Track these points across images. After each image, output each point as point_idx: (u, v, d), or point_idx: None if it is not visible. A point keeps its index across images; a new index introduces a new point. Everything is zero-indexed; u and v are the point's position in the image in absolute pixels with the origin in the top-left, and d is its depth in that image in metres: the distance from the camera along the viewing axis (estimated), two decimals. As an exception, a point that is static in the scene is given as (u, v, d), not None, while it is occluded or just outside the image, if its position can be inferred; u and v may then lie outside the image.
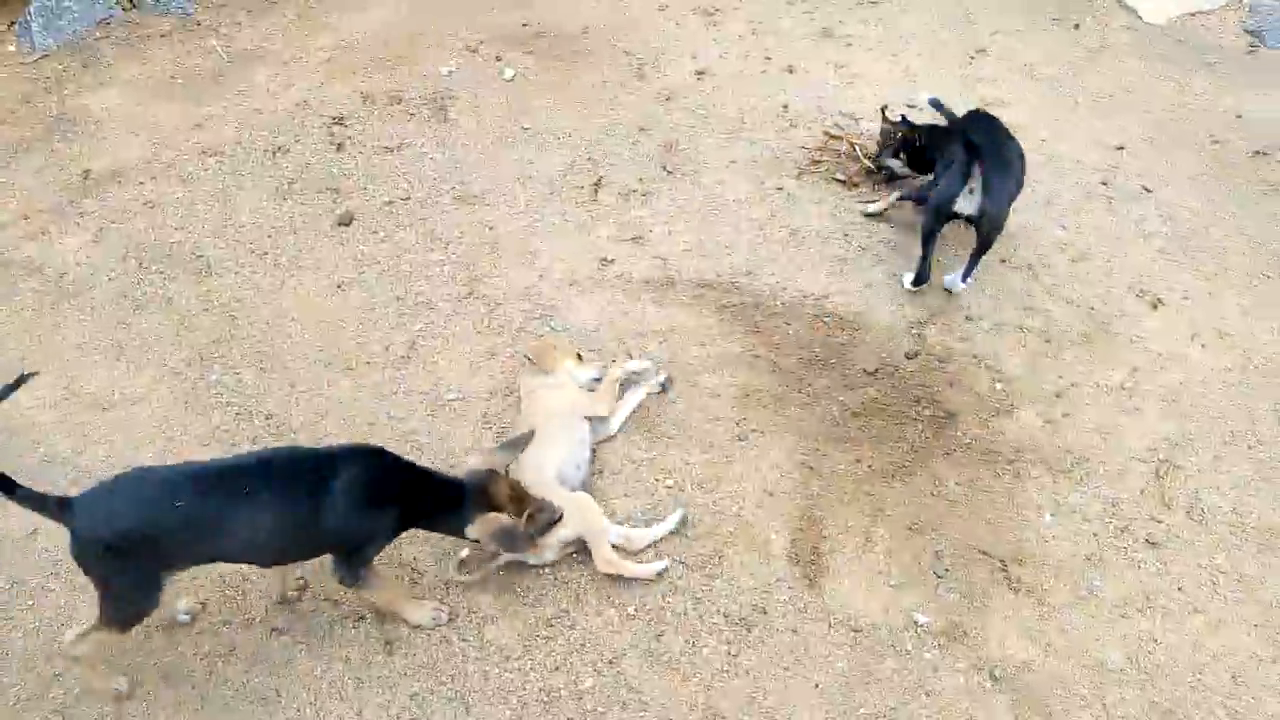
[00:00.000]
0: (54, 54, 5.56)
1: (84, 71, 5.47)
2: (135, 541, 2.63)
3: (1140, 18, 5.96)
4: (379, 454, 2.93)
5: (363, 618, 3.19)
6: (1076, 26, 5.91)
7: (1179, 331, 4.15)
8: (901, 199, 4.60)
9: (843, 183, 4.85)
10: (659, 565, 3.27)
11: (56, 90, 5.36)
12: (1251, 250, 4.53)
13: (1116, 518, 3.50)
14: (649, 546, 3.34)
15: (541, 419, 3.41)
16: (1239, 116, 5.29)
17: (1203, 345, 4.09)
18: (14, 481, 2.59)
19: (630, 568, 3.23)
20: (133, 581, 2.73)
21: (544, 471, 3.29)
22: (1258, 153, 5.06)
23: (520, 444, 3.14)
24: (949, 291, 4.27)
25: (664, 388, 3.86)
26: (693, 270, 4.40)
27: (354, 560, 2.93)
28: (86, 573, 2.74)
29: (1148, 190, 4.80)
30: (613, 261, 4.44)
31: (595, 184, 4.85)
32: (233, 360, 4.01)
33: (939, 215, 4.08)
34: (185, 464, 2.84)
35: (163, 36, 5.72)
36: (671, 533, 3.38)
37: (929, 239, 4.14)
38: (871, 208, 4.69)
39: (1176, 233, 4.60)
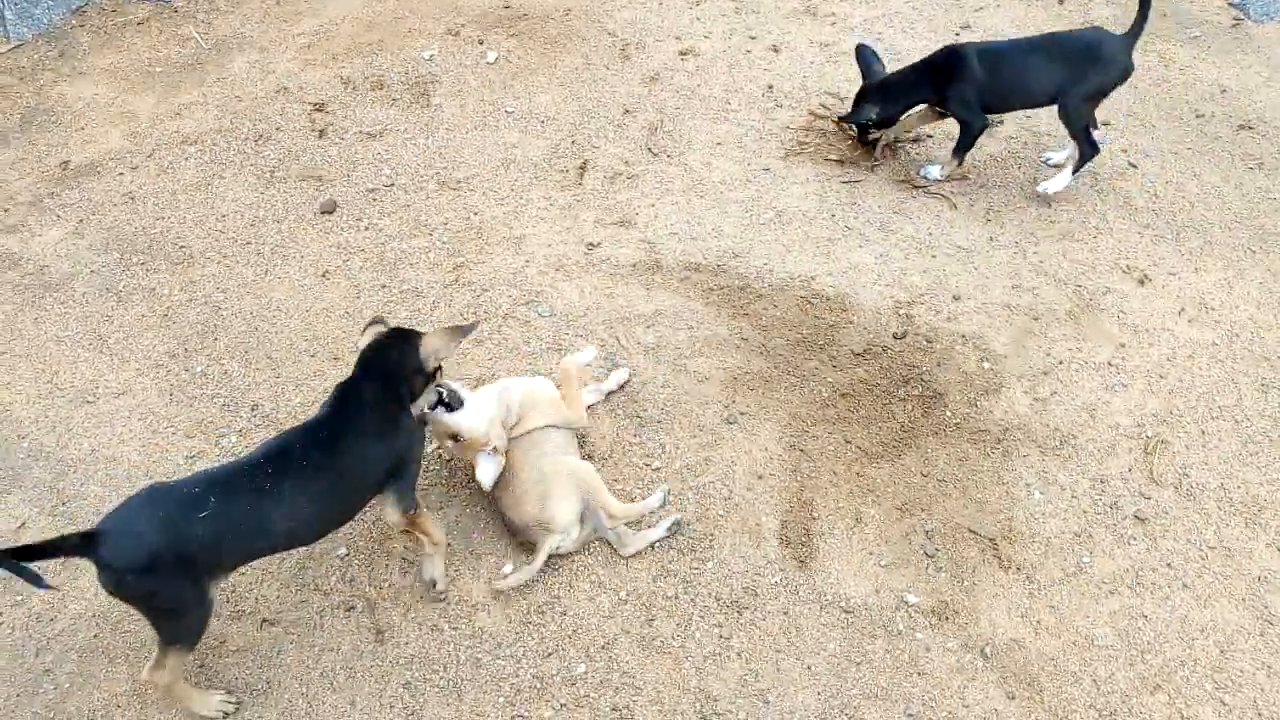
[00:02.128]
0: (29, 43, 5.49)
1: (60, 61, 5.41)
2: (168, 559, 2.59)
3: (1124, -8, 5.94)
4: (356, 380, 2.97)
5: (352, 607, 3.18)
6: (1060, 1, 5.89)
7: (1165, 307, 4.15)
8: (962, 149, 4.62)
9: (839, 162, 4.83)
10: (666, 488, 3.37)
11: (32, 80, 5.29)
12: (1236, 224, 4.53)
13: (1105, 494, 3.51)
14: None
15: (540, 432, 3.37)
16: (1223, 90, 5.28)
17: (1189, 320, 4.10)
18: (30, 547, 2.50)
19: (636, 506, 3.28)
20: (177, 599, 2.67)
21: (543, 463, 3.25)
22: (1242, 126, 5.05)
23: (462, 333, 3.07)
24: (1042, 192, 4.57)
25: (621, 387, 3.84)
26: (679, 253, 4.38)
27: (406, 484, 2.98)
28: (125, 601, 2.69)
29: (1133, 165, 4.80)
30: (599, 245, 4.42)
31: (580, 167, 4.82)
32: (217, 351, 3.98)
33: (1107, 92, 4.37)
34: (201, 471, 2.82)
35: (140, 24, 5.65)
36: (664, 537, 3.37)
37: (1090, 123, 4.43)
38: (938, 172, 4.71)
39: (1162, 208, 4.60)
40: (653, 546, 3.33)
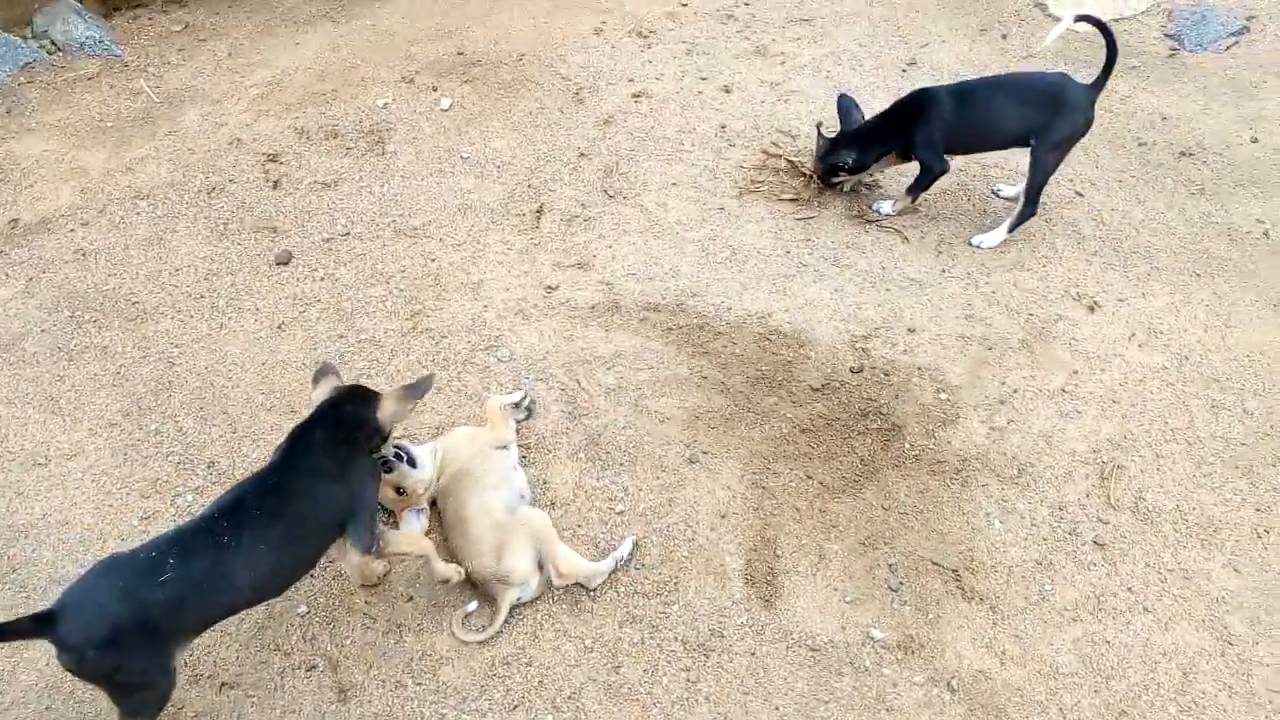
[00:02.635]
0: (-24, 101, 5.44)
1: (8, 118, 5.36)
2: (131, 631, 2.53)
3: (1064, 25, 6.09)
4: (309, 425, 2.95)
5: (314, 667, 3.13)
6: (1004, 36, 6.03)
7: (1115, 333, 4.22)
8: (918, 189, 4.67)
9: (793, 199, 4.88)
10: (619, 554, 3.32)
11: (-20, 138, 5.24)
12: (1181, 249, 4.63)
13: (1064, 521, 3.55)
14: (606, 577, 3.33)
15: (467, 464, 3.39)
16: (1164, 118, 5.42)
17: (1139, 345, 4.17)
18: None
19: (586, 567, 3.23)
20: (142, 671, 2.61)
21: (494, 512, 3.25)
22: (1183, 153, 5.18)
23: (418, 392, 3.08)
24: (977, 246, 4.62)
25: (529, 413, 3.86)
26: (638, 293, 4.40)
27: (367, 523, 2.94)
28: (87, 679, 2.61)
29: (1079, 194, 4.90)
30: (557, 288, 4.43)
31: (537, 211, 4.84)
32: (172, 409, 3.93)
33: (1074, 142, 4.39)
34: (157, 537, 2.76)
35: (89, 79, 5.62)
36: (625, 561, 3.37)
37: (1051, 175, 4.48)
38: (890, 207, 4.76)
39: (1109, 235, 4.70)
40: (615, 574, 3.34)
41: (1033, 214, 4.50)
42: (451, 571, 3.17)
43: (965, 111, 4.37)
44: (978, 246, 4.59)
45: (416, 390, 3.05)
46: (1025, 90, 4.34)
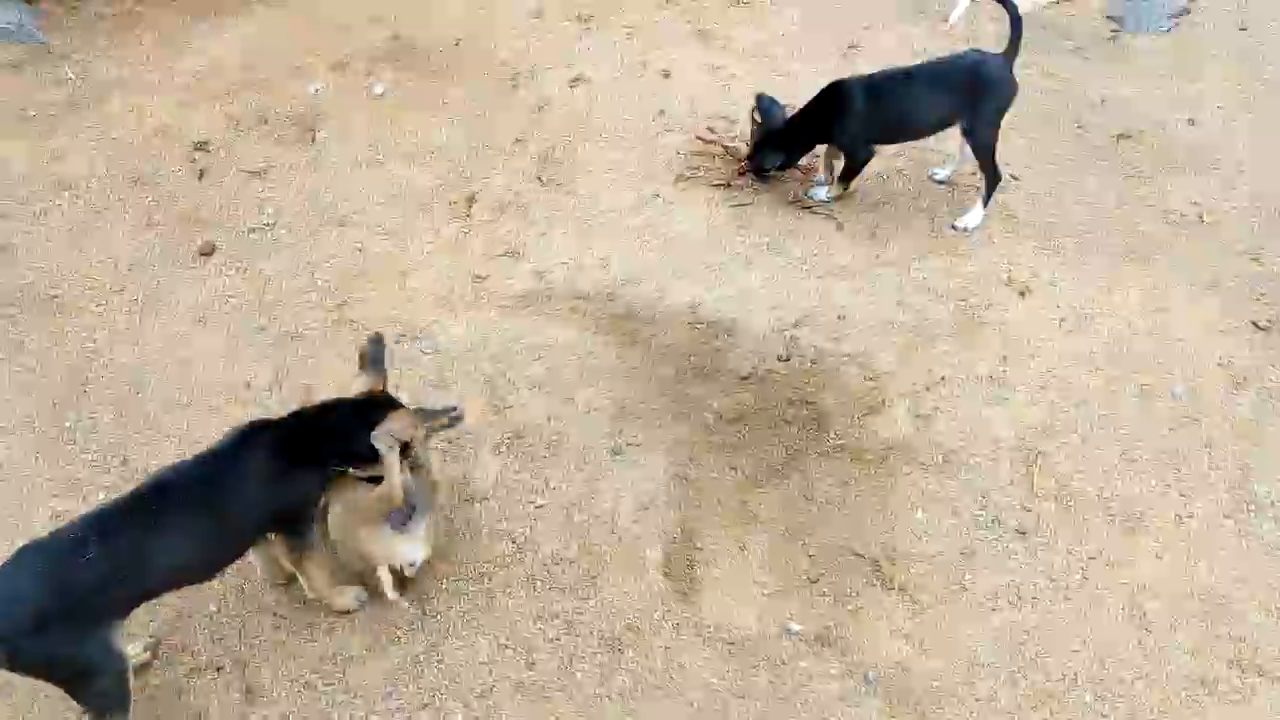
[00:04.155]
0: (-107, 91, 5.29)
1: (-74, 108, 5.22)
2: (57, 614, 2.47)
3: (1008, 7, 6.06)
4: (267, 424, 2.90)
5: (221, 667, 3.07)
6: (945, 19, 5.98)
7: (1046, 318, 4.21)
8: (847, 178, 4.65)
9: (728, 185, 4.83)
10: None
11: (-104, 129, 5.09)
12: (1115, 233, 4.62)
13: (987, 510, 3.53)
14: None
15: None
16: (1102, 101, 5.41)
17: (1069, 331, 4.16)
18: None
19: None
20: (82, 656, 2.55)
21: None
22: (1121, 136, 5.17)
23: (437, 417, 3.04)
24: (962, 229, 4.57)
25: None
26: (569, 282, 4.35)
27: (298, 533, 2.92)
28: (29, 674, 2.56)
29: (1015, 178, 4.87)
30: (487, 277, 4.37)
31: (469, 199, 4.76)
32: (89, 405, 3.84)
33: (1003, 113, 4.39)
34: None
35: (12, 67, 5.46)
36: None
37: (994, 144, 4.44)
38: (825, 193, 4.71)
39: (1043, 219, 4.68)
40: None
41: (998, 179, 4.48)
42: (350, 602, 3.17)
43: (881, 104, 4.34)
44: (963, 229, 4.56)
45: (429, 416, 3.01)
46: (942, 76, 4.32)
